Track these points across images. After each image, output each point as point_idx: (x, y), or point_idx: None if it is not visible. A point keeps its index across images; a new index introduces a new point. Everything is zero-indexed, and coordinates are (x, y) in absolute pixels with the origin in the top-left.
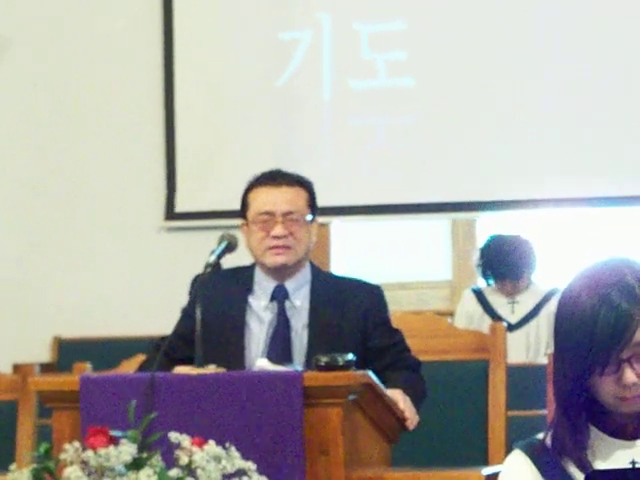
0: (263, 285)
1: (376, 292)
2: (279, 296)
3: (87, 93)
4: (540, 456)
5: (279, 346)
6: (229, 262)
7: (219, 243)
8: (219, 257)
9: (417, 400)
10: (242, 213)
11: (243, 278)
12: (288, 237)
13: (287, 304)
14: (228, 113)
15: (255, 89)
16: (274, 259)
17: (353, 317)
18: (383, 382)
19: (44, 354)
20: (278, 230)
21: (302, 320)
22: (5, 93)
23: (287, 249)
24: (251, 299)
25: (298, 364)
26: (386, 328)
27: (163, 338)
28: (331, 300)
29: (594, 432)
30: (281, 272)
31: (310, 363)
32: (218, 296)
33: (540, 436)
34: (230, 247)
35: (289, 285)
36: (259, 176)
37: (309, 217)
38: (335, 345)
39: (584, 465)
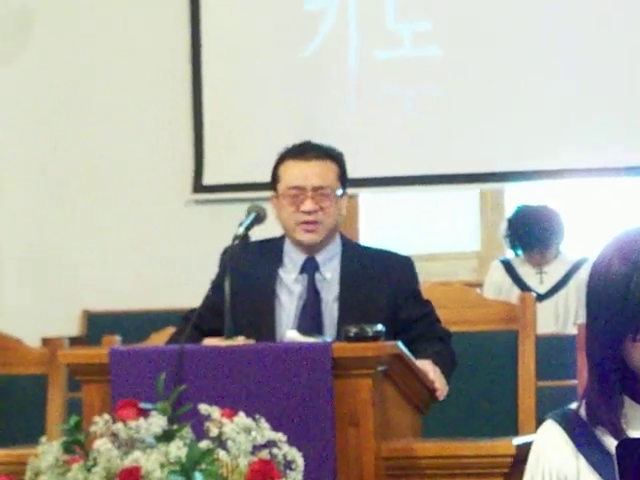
0: (293, 258)
1: (407, 263)
2: (309, 269)
3: (113, 65)
4: (574, 426)
5: (309, 318)
6: (258, 234)
7: (247, 215)
8: (247, 229)
9: (447, 370)
10: (272, 185)
11: (273, 250)
12: (318, 212)
13: (317, 277)
14: (255, 85)
15: (282, 60)
16: (305, 237)
17: (384, 289)
18: (413, 353)
19: (73, 328)
20: (308, 205)
21: (332, 292)
22: (28, 68)
23: (317, 224)
24: (281, 271)
25: (329, 336)
26: (417, 300)
27: (193, 310)
28: (361, 272)
29: (627, 402)
30: (312, 246)
31: (340, 335)
32: (248, 268)
33: (573, 406)
34: (259, 219)
35: (319, 257)
36: (290, 148)
37: (339, 191)
38: (366, 317)
39: (618, 433)
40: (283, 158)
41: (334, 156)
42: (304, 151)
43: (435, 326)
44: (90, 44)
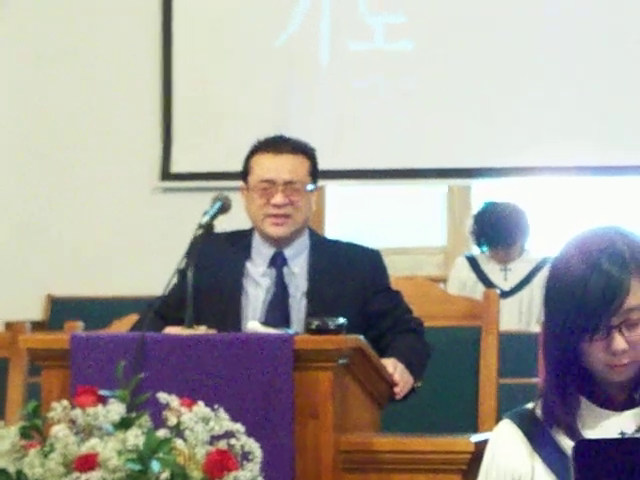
0: (261, 251)
1: (375, 257)
2: (278, 262)
3: (84, 51)
4: (530, 425)
5: (277, 312)
6: (224, 223)
7: (212, 204)
8: (212, 218)
9: (419, 366)
10: (243, 177)
11: (241, 243)
12: (288, 206)
13: (285, 270)
14: (226, 73)
15: (254, 49)
16: (273, 230)
17: (352, 283)
18: (386, 347)
19: (37, 312)
20: (278, 199)
21: (301, 287)
22: (4, 52)
23: (286, 218)
24: (249, 264)
25: (297, 330)
26: (386, 292)
27: (157, 298)
28: (330, 266)
29: (584, 402)
30: (280, 240)
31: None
32: (216, 260)
33: (530, 406)
34: (224, 208)
35: (288, 252)
36: (262, 141)
37: (310, 186)
38: (334, 311)
39: (574, 433)
40: (255, 150)
41: (307, 151)
42: (277, 144)
43: (406, 317)
44: (60, 30)
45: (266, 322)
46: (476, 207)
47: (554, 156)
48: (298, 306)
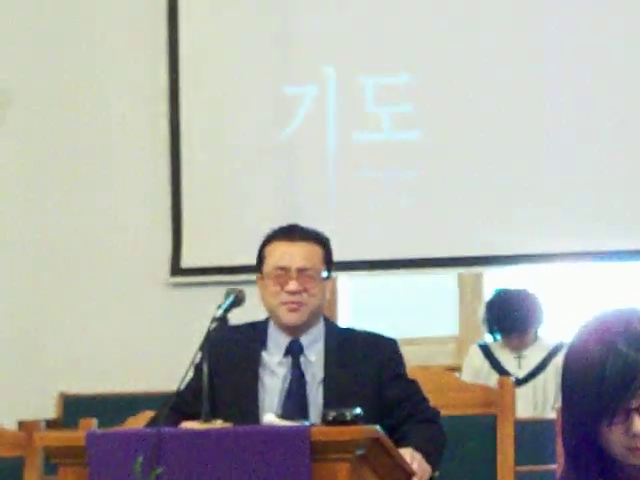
0: (277, 340)
1: (391, 345)
2: (294, 351)
3: (90, 148)
4: None
5: (294, 402)
6: (238, 317)
7: (226, 297)
8: (226, 311)
9: (436, 455)
10: (258, 266)
11: (257, 333)
12: (302, 293)
13: (302, 359)
14: (233, 168)
15: (260, 143)
16: (288, 317)
17: (369, 371)
18: (402, 436)
19: (49, 411)
20: (292, 286)
21: (317, 375)
22: (6, 152)
23: (300, 305)
24: (265, 354)
25: (314, 419)
26: (402, 380)
27: (174, 394)
28: (346, 355)
29: None
30: (295, 328)
31: None
32: (231, 351)
33: None
34: (237, 301)
35: (304, 340)
36: (277, 230)
37: (324, 274)
38: (351, 400)
39: None
40: (270, 239)
41: (320, 239)
42: (290, 233)
43: (422, 406)
44: (65, 127)
45: (283, 412)
46: (488, 294)
47: (566, 242)
48: (315, 394)
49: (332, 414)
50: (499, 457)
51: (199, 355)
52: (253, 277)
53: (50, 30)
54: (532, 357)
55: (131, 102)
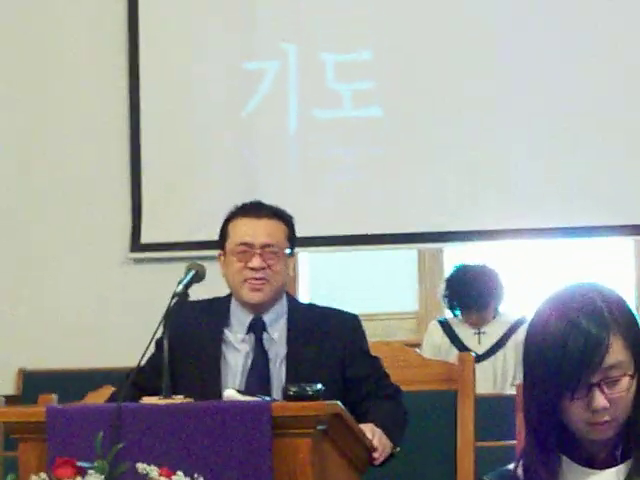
0: (240, 317)
1: (354, 321)
2: (257, 328)
3: (50, 123)
4: None
5: (257, 379)
6: (198, 292)
7: (186, 273)
8: (187, 287)
9: (397, 432)
10: (220, 243)
11: (219, 310)
12: (266, 269)
13: (264, 336)
14: (194, 143)
15: (221, 119)
16: (251, 295)
17: (331, 348)
18: (364, 412)
19: (9, 387)
20: (256, 262)
21: (280, 352)
22: None
23: (264, 282)
24: (227, 331)
25: (276, 396)
26: (365, 357)
27: (134, 370)
28: (309, 331)
29: (565, 461)
30: (258, 305)
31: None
32: (193, 327)
33: (510, 466)
34: (198, 277)
35: (266, 317)
36: (239, 207)
37: (287, 251)
38: (314, 376)
39: None
40: (233, 216)
41: (284, 217)
42: (254, 209)
43: (384, 382)
44: (28, 99)
45: (246, 388)
46: (448, 270)
47: (525, 218)
48: (278, 372)
49: (293, 389)
50: (459, 433)
51: (160, 330)
52: (213, 253)
53: (15, 5)
54: (492, 333)
55: (91, 78)
